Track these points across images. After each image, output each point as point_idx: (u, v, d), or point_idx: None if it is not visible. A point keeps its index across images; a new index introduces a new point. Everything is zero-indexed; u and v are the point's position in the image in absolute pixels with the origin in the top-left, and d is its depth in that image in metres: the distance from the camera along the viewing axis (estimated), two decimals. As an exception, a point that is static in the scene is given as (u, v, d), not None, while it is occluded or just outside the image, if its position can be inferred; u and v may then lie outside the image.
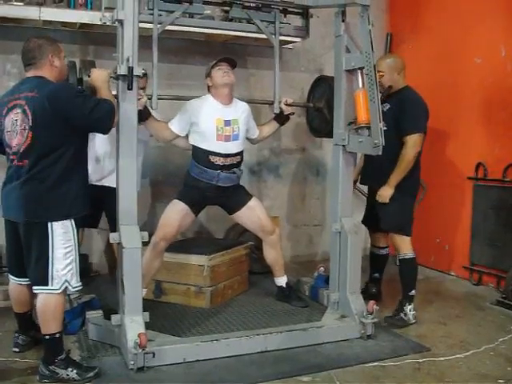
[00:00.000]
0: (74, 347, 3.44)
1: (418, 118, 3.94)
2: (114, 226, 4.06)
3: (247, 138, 4.06)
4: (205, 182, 3.87)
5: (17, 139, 2.95)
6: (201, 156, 3.85)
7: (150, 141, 4.62)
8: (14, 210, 3.01)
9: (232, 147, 3.86)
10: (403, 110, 3.92)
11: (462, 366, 3.32)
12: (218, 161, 3.82)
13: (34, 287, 3.03)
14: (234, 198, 4.03)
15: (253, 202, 4.06)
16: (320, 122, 4.28)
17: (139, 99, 3.43)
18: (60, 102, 2.89)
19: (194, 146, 3.89)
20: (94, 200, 3.93)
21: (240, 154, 3.95)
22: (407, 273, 4.07)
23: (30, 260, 3.02)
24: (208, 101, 3.87)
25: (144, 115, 3.64)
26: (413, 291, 4.03)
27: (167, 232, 3.86)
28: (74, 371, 3.02)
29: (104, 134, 3.17)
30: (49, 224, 2.94)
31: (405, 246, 4.04)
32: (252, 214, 4.05)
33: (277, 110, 4.08)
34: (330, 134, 3.97)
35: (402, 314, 3.97)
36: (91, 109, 2.91)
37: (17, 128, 2.95)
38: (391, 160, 3.87)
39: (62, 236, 2.97)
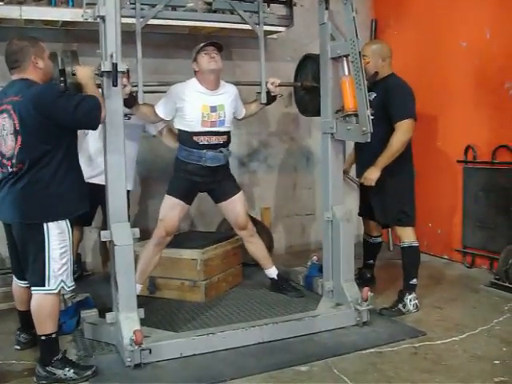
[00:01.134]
0: (69, 347, 3.43)
1: (406, 103, 3.90)
2: None
3: (233, 117, 4.03)
4: (193, 164, 3.85)
5: (7, 145, 2.95)
6: (186, 138, 3.84)
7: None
8: (7, 213, 3.00)
9: (217, 130, 3.86)
10: (390, 98, 3.89)
11: (458, 349, 3.34)
12: (203, 140, 3.81)
13: (32, 288, 3.03)
14: (223, 187, 4.03)
15: (237, 196, 4.07)
16: (309, 100, 4.24)
17: (124, 87, 3.38)
18: (43, 103, 2.87)
19: (179, 129, 3.89)
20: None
21: (226, 133, 3.92)
22: (410, 261, 4.00)
23: (27, 261, 3.02)
24: (193, 86, 3.82)
25: (130, 102, 3.63)
26: (414, 280, 3.97)
27: (169, 226, 3.86)
28: (72, 370, 3.02)
29: (93, 129, 3.19)
30: (44, 225, 2.94)
31: (407, 235, 4.00)
32: (233, 208, 4.07)
33: (264, 101, 4.05)
34: (319, 113, 3.95)
35: (400, 306, 3.92)
36: (75, 106, 2.89)
37: (5, 133, 2.94)
38: (380, 149, 3.86)
39: (57, 236, 2.97)
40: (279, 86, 4.07)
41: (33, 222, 2.95)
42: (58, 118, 2.90)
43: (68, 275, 3.05)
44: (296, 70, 4.36)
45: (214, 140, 3.84)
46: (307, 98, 4.27)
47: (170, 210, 3.88)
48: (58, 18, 4.44)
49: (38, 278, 2.98)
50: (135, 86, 3.60)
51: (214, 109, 3.80)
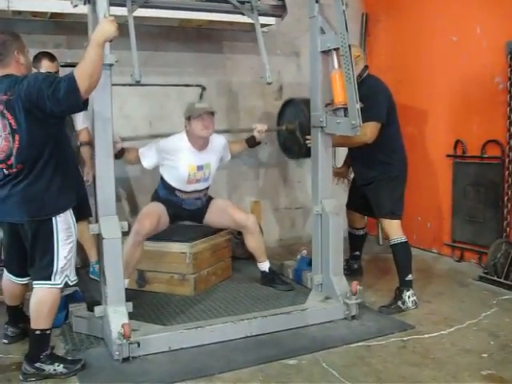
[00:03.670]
0: (58, 340, 3.42)
1: (377, 105, 3.88)
2: None
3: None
4: (172, 202, 4.04)
5: (2, 146, 2.86)
6: (168, 187, 4.02)
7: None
8: (14, 214, 2.93)
9: (200, 186, 4.03)
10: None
11: (446, 343, 3.36)
12: (184, 195, 4.01)
13: (35, 282, 3.00)
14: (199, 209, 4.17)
15: (216, 201, 4.21)
16: (293, 143, 4.41)
17: (115, 144, 3.44)
18: (32, 93, 2.75)
19: (163, 176, 4.03)
20: None
21: (207, 188, 4.11)
22: (401, 258, 3.97)
23: (34, 257, 2.99)
24: (183, 143, 3.93)
25: (120, 155, 3.74)
26: (409, 276, 3.93)
27: (147, 221, 3.88)
28: (61, 365, 3.00)
29: (83, 109, 2.93)
30: (53, 220, 2.93)
31: (394, 231, 3.98)
32: (221, 213, 4.17)
33: (269, 80, 3.81)
34: (304, 155, 4.16)
35: (399, 303, 3.88)
36: (52, 91, 2.72)
37: (0, 134, 2.86)
38: (368, 150, 3.93)
39: (65, 232, 2.97)
40: (266, 131, 4.23)
41: (42, 218, 2.92)
42: (46, 105, 2.74)
43: (71, 269, 3.05)
44: (278, 114, 4.60)
45: (194, 195, 4.04)
46: (291, 141, 4.44)
47: (153, 207, 4.04)
48: (46, 10, 4.38)
49: (45, 273, 2.96)
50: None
51: (200, 168, 3.96)
